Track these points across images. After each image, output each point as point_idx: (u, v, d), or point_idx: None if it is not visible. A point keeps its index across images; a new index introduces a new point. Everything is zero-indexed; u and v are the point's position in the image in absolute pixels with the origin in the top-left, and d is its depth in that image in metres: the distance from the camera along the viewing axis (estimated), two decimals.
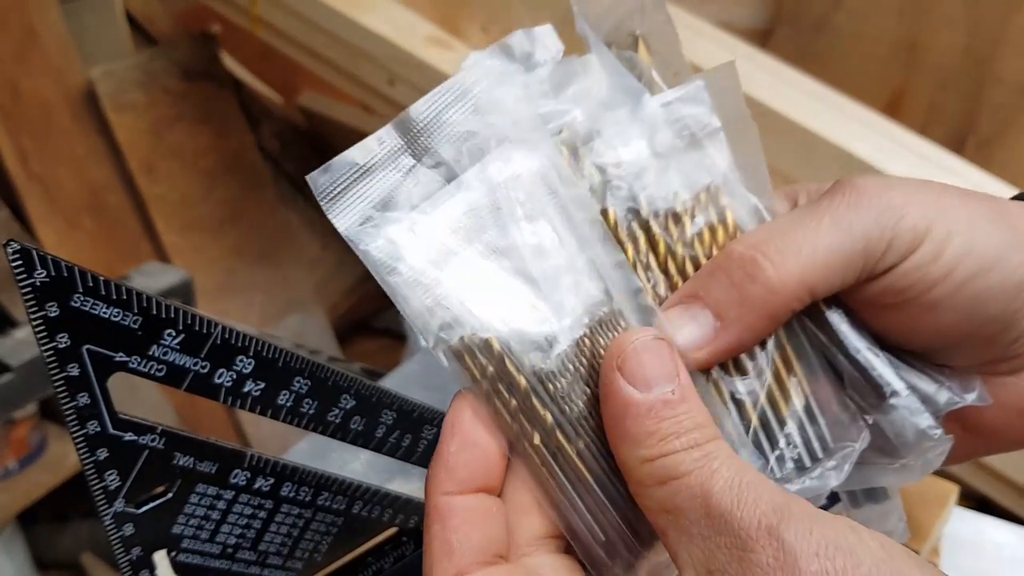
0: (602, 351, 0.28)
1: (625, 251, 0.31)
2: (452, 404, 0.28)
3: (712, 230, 0.32)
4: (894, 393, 0.31)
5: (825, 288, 0.29)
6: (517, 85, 0.30)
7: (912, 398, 0.31)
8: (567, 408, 0.28)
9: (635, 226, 0.31)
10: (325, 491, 0.41)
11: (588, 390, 0.28)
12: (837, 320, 0.31)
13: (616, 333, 0.28)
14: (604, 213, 0.31)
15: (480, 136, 0.29)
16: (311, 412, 0.38)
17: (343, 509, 0.42)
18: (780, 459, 0.31)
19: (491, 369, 0.27)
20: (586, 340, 0.28)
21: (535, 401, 0.27)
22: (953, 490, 0.65)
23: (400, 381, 0.90)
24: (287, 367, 0.37)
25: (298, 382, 0.37)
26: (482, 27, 1.07)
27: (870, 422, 0.32)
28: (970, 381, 0.32)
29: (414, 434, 0.42)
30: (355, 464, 0.70)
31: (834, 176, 0.86)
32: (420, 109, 0.28)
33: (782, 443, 0.31)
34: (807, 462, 0.31)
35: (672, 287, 0.31)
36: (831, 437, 0.31)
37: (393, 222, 0.28)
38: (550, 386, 0.27)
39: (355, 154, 0.28)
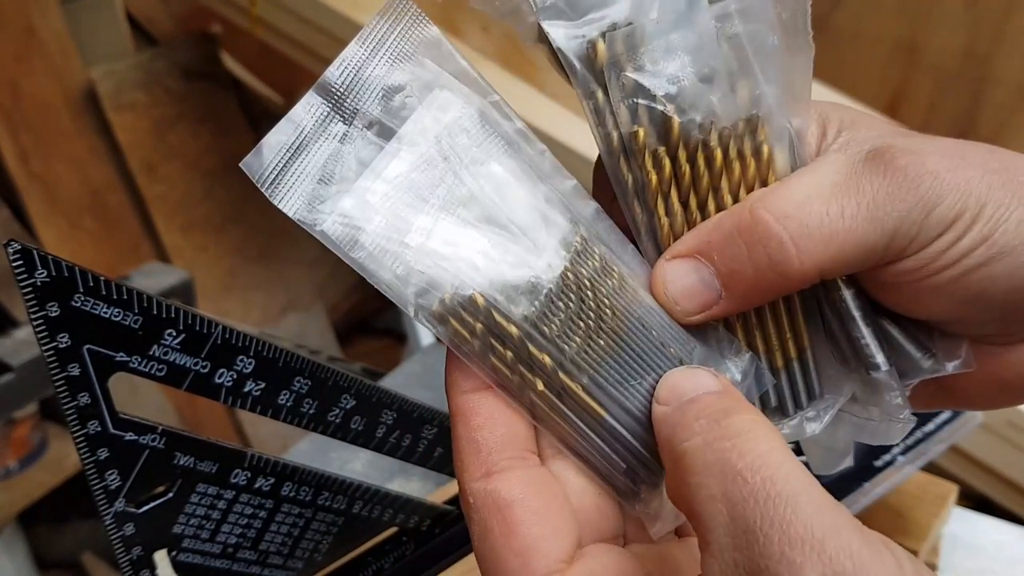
0: (586, 281, 0.28)
1: (648, 179, 0.29)
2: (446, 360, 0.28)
3: (743, 162, 0.29)
4: (875, 367, 0.30)
5: (836, 275, 0.29)
6: None
7: (891, 374, 0.30)
8: (565, 346, 0.27)
9: (661, 152, 0.29)
10: (325, 491, 0.41)
11: (582, 323, 0.27)
12: (842, 286, 0.30)
13: (593, 261, 0.28)
14: (634, 135, 0.29)
15: (407, 87, 0.27)
16: (311, 412, 0.38)
17: (343, 509, 0.42)
18: (764, 402, 0.31)
19: (479, 326, 0.27)
20: (569, 274, 0.27)
21: (531, 347, 0.27)
22: (953, 490, 0.64)
23: (400, 381, 0.90)
24: (287, 367, 0.37)
25: (298, 382, 0.37)
26: (483, 27, 1.07)
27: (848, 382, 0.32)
28: (957, 348, 0.31)
29: (414, 434, 0.42)
30: (355, 464, 0.70)
31: None
32: (336, 70, 0.27)
33: (770, 391, 0.31)
34: (790, 411, 0.31)
35: (690, 223, 0.30)
36: (819, 388, 0.31)
37: (342, 195, 0.26)
38: (544, 328, 0.27)
39: (283, 131, 0.26)
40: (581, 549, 0.27)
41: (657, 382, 0.28)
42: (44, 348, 0.31)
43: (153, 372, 0.34)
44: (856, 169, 0.28)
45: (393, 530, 0.46)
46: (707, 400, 0.26)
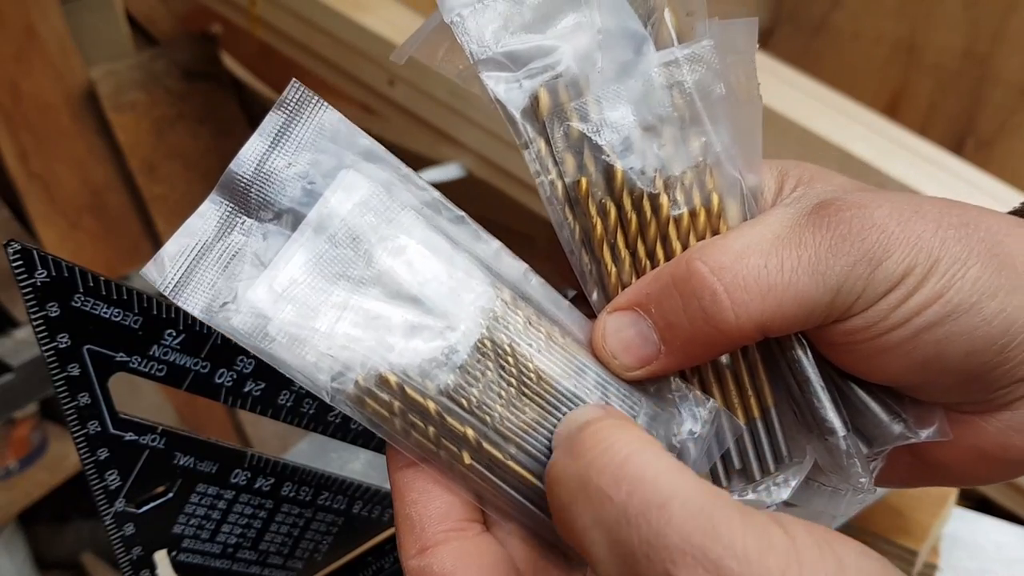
0: (506, 347, 0.27)
1: (593, 226, 0.28)
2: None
3: (693, 215, 0.28)
4: (831, 431, 0.29)
5: (779, 332, 0.27)
6: (495, 15, 0.28)
7: (848, 440, 0.29)
8: (487, 416, 0.26)
9: (607, 201, 0.28)
10: (325, 491, 0.41)
11: (503, 391, 0.26)
12: (793, 344, 0.29)
13: (516, 324, 0.27)
14: (577, 183, 0.28)
15: (311, 172, 0.27)
16: (311, 412, 0.38)
17: (343, 509, 0.42)
18: (727, 467, 0.30)
19: (397, 404, 0.26)
20: (485, 341, 0.26)
21: (451, 420, 0.26)
22: (952, 490, 0.65)
23: None
24: None
25: None
26: None
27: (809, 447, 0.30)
28: (930, 415, 0.29)
29: None
30: (355, 464, 0.70)
31: None
32: (240, 164, 0.26)
33: (733, 452, 0.29)
34: (756, 475, 0.30)
35: (638, 270, 0.29)
36: (787, 451, 0.30)
37: (249, 289, 0.26)
38: (463, 400, 0.26)
39: (183, 238, 0.26)
40: None
41: None
42: (44, 348, 0.31)
43: (153, 372, 0.33)
44: (800, 221, 0.27)
45: (393, 530, 0.46)
46: (571, 421, 0.25)
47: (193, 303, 0.26)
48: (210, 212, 0.26)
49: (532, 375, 0.27)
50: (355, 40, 1.08)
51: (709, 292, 0.26)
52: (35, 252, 0.30)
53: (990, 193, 0.83)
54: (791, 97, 0.90)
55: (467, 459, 0.26)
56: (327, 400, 0.26)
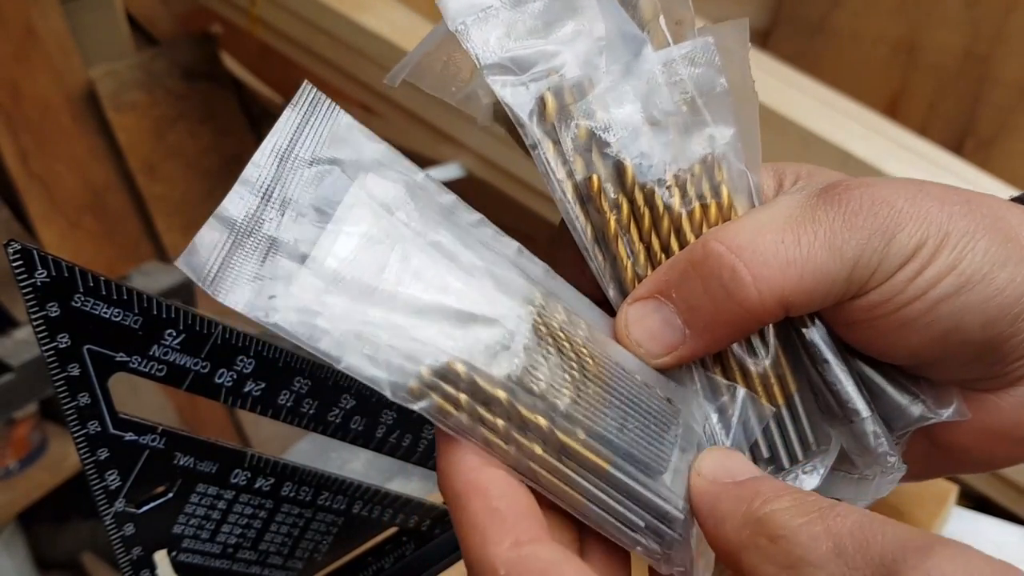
0: (560, 332, 0.26)
1: (607, 221, 0.29)
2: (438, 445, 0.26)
3: (704, 207, 0.29)
4: (855, 412, 0.29)
5: (801, 309, 0.28)
6: (499, 23, 0.28)
7: (874, 420, 0.29)
8: (557, 401, 0.26)
9: (620, 196, 0.29)
10: (325, 491, 0.41)
11: (567, 374, 0.26)
12: (809, 327, 0.29)
13: (558, 313, 0.27)
14: (589, 180, 0.29)
15: (334, 171, 0.26)
16: (311, 412, 0.38)
17: (343, 509, 0.42)
18: (755, 456, 0.30)
19: (463, 396, 0.25)
20: (541, 326, 0.26)
21: (522, 409, 0.25)
22: (952, 490, 0.65)
23: None
24: (287, 367, 0.37)
25: (298, 382, 0.37)
26: None
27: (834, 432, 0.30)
28: (947, 395, 0.30)
29: (414, 434, 0.42)
30: (355, 464, 0.70)
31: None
32: (259, 163, 0.26)
33: (760, 440, 0.30)
34: (785, 463, 0.30)
35: (654, 263, 0.29)
36: (813, 439, 0.30)
37: (291, 284, 0.25)
38: (532, 385, 0.25)
39: (214, 228, 0.25)
40: None
41: (652, 424, 0.27)
42: (44, 348, 0.31)
43: (153, 372, 0.33)
44: (811, 202, 0.28)
45: (393, 530, 0.46)
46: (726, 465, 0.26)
47: (235, 298, 0.24)
48: (236, 205, 0.25)
49: (589, 359, 0.27)
50: (355, 40, 1.08)
51: (728, 270, 0.27)
52: (35, 252, 0.30)
53: (990, 193, 0.83)
54: (791, 97, 0.90)
55: (539, 450, 0.25)
56: (388, 396, 0.25)
